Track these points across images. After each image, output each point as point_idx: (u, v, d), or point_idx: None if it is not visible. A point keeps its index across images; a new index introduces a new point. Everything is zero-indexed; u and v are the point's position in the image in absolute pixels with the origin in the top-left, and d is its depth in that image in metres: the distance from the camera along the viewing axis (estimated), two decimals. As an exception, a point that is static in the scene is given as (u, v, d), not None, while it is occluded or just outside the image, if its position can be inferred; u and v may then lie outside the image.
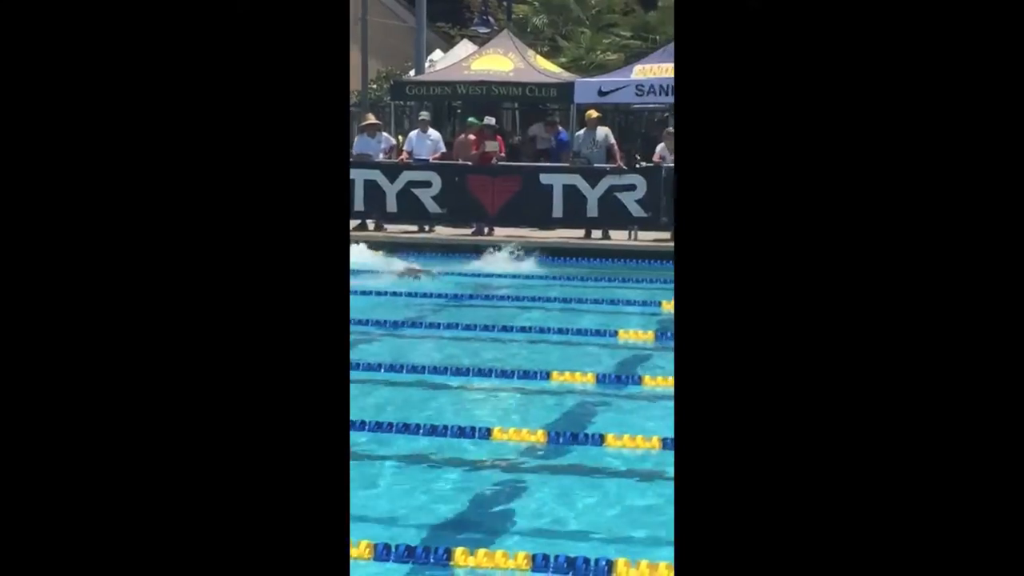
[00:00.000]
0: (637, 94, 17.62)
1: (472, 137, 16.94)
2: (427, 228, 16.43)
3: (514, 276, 13.41)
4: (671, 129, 16.49)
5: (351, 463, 2.73)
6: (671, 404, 7.63)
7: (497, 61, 18.90)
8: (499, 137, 17.52)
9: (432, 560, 4.73)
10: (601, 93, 17.60)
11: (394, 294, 11.76)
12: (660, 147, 16.06)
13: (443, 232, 16.24)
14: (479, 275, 13.30)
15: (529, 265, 14.04)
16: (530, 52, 20.07)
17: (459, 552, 4.77)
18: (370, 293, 11.38)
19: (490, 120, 17.56)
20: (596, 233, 15.95)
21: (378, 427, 6.68)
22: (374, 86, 24.35)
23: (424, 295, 11.83)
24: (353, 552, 4.59)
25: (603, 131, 16.30)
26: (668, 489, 5.99)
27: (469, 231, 16.20)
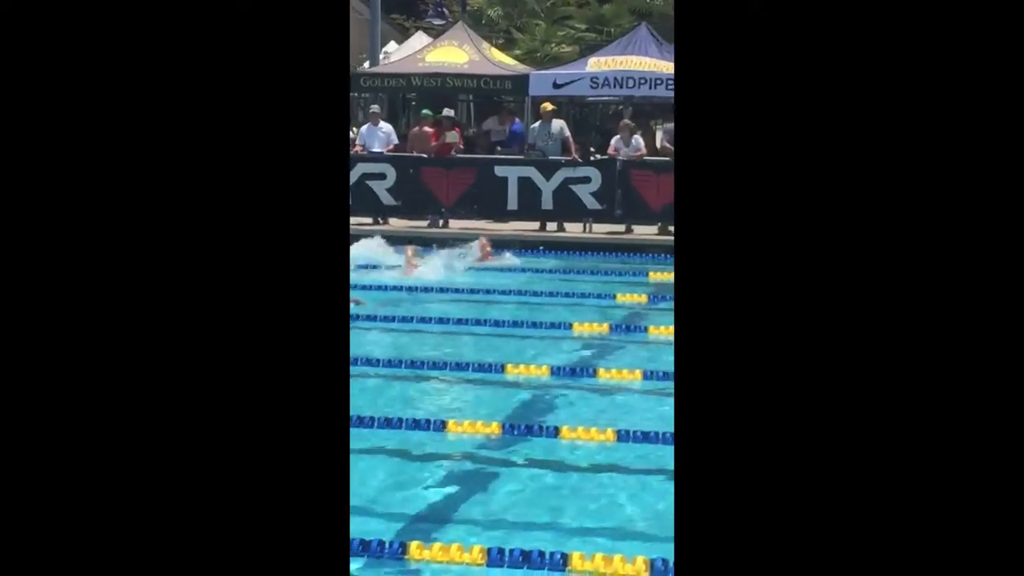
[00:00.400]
0: (592, 87, 17.62)
1: (428, 129, 16.89)
2: (381, 220, 16.37)
3: (469, 269, 13.38)
4: (627, 121, 16.51)
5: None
6: (626, 396, 7.68)
7: (452, 53, 18.84)
8: (457, 128, 17.49)
9: (387, 554, 4.71)
10: (556, 86, 17.58)
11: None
12: (615, 140, 16.09)
13: (397, 224, 16.18)
14: (434, 267, 13.25)
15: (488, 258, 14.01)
16: (485, 44, 20.02)
17: (414, 546, 4.76)
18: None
19: (449, 112, 17.51)
20: (551, 225, 15.95)
21: (332, 420, 6.64)
22: (328, 78, 24.16)
23: (378, 288, 11.79)
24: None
25: (558, 124, 16.31)
26: (623, 481, 6.02)
27: (424, 223, 16.16)
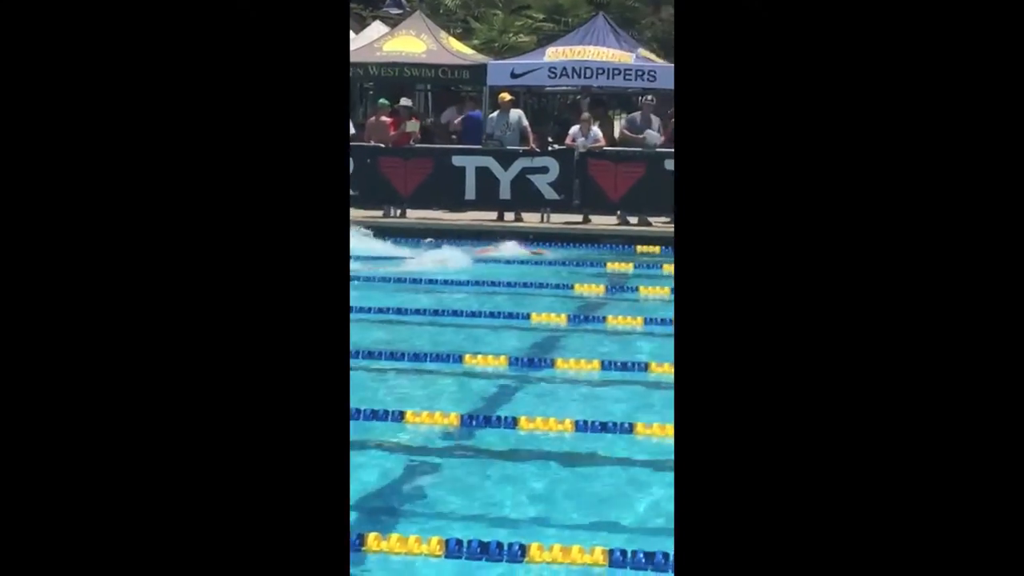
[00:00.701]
0: (550, 76, 17.61)
1: (385, 119, 16.82)
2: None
3: (426, 259, 13.33)
4: (587, 114, 16.50)
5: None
6: (584, 387, 7.68)
7: (409, 43, 18.76)
8: (416, 118, 17.42)
9: (344, 546, 4.68)
10: (514, 75, 17.55)
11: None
12: (573, 130, 16.09)
13: (356, 214, 16.10)
14: (392, 257, 13.21)
15: (442, 247, 13.97)
16: (442, 34, 19.96)
17: (372, 537, 4.74)
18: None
19: (406, 102, 17.42)
20: (509, 215, 15.94)
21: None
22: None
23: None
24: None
25: (516, 113, 16.29)
26: (581, 472, 6.02)
27: (380, 213, 16.09)
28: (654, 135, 15.74)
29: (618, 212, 15.73)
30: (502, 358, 8.33)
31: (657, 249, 14.34)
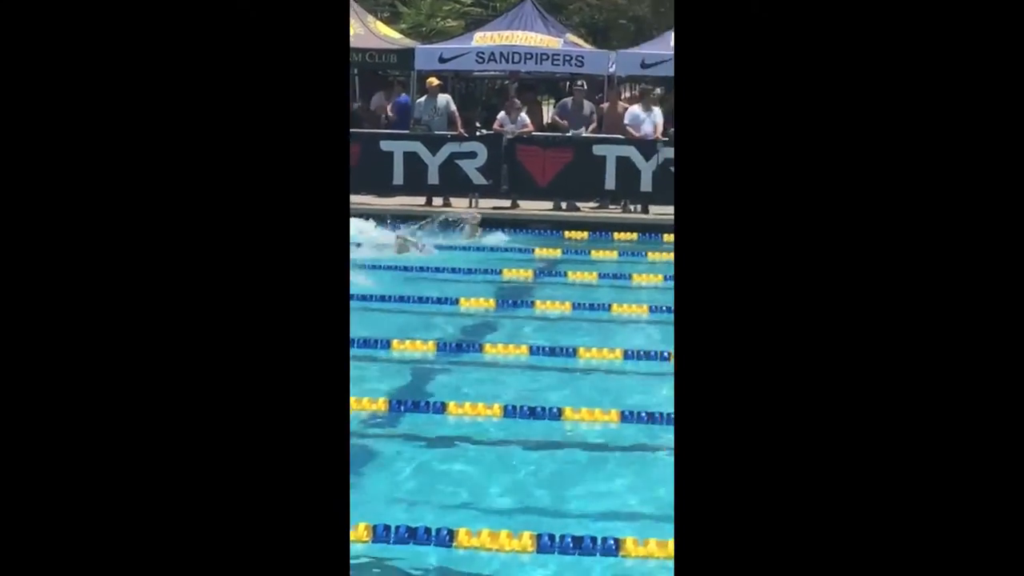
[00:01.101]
0: (478, 61, 17.58)
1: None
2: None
3: (355, 244, 13.26)
4: (516, 101, 16.48)
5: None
6: (512, 372, 7.67)
7: (336, 26, 18.62)
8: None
9: (270, 533, 4.65)
10: (442, 60, 17.51)
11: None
12: (501, 115, 16.08)
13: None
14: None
15: (370, 232, 13.89)
16: (370, 18, 19.82)
17: (298, 524, 4.70)
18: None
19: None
20: (437, 200, 15.90)
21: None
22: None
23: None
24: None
25: (444, 98, 16.24)
26: (509, 457, 6.02)
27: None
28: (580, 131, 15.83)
29: (549, 198, 15.75)
30: (430, 343, 8.31)
31: (585, 235, 14.39)
